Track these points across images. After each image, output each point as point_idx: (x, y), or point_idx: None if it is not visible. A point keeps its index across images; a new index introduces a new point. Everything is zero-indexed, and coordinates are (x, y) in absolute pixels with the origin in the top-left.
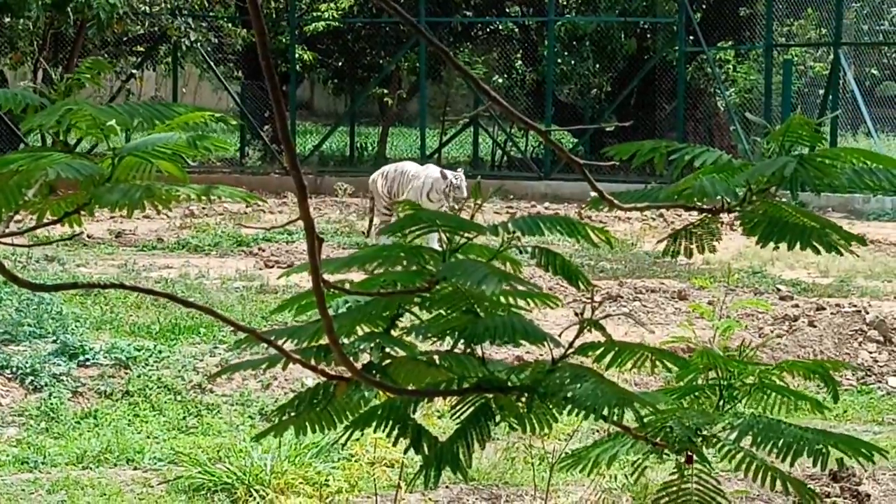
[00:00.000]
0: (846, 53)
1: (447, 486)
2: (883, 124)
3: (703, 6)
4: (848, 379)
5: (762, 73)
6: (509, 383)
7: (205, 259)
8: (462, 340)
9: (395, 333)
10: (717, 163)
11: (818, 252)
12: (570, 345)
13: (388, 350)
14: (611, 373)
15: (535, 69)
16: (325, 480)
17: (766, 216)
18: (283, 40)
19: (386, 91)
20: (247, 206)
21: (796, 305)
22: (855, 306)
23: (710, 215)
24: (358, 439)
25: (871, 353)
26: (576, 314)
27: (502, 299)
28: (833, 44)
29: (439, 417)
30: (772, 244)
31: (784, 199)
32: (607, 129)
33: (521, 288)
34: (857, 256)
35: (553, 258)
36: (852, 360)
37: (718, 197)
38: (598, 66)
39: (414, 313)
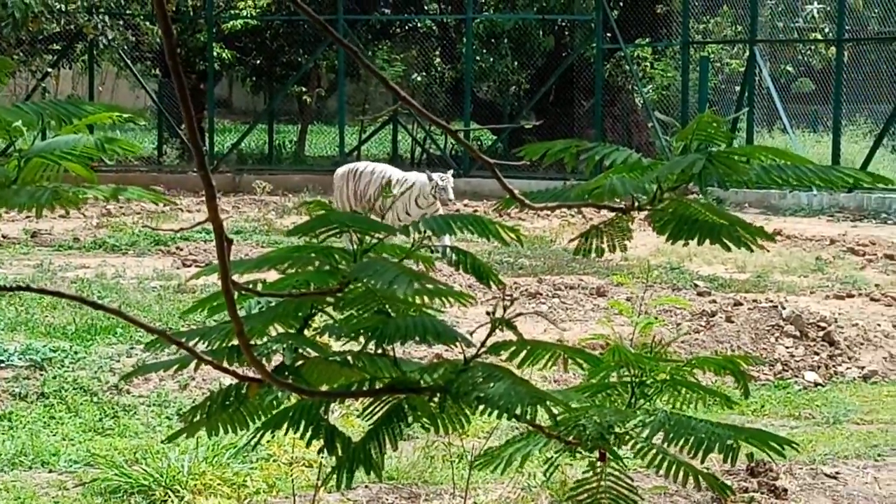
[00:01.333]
0: (761, 50)
1: (366, 486)
2: (798, 120)
3: (621, 4)
4: (765, 374)
5: (679, 70)
6: (422, 383)
7: (122, 258)
8: (374, 341)
9: (308, 334)
10: (628, 161)
11: (728, 248)
12: (482, 344)
13: (300, 351)
14: (534, 371)
15: (454, 66)
16: (243, 481)
17: (676, 214)
18: (201, 38)
19: (305, 89)
20: (164, 206)
21: (714, 301)
22: (772, 301)
23: (621, 214)
24: (269, 440)
25: (787, 347)
26: (487, 313)
27: (416, 299)
28: (748, 41)
29: (358, 416)
30: (682, 241)
31: (712, 196)
32: (526, 126)
33: (432, 287)
34: (767, 251)
35: (464, 257)
36: (769, 354)
37: (629, 195)
38: (516, 63)
39: (327, 313)
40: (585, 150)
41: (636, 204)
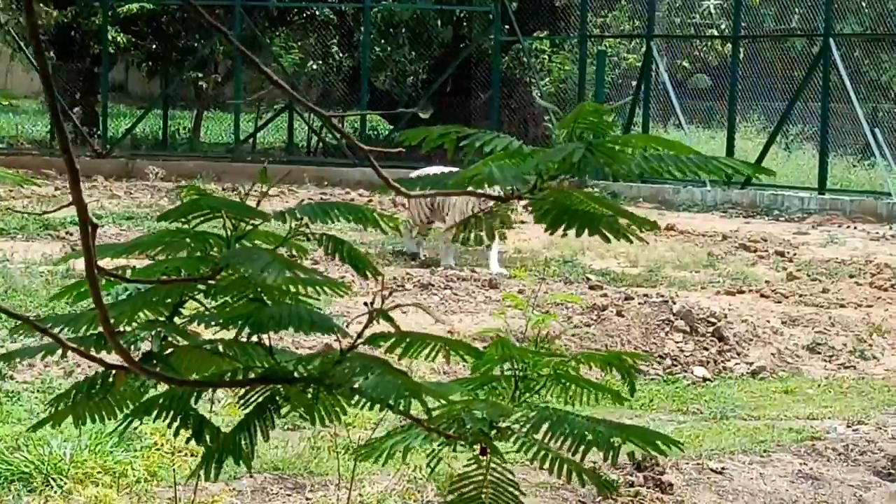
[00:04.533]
0: (658, 46)
1: (251, 476)
2: (693, 116)
3: None
4: (654, 369)
5: (577, 63)
6: (297, 374)
7: (10, 243)
8: (248, 329)
9: (179, 322)
10: (508, 149)
11: (608, 240)
12: (359, 335)
13: (170, 339)
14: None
15: (352, 55)
16: (124, 470)
17: (556, 203)
18: (96, 21)
19: (201, 75)
20: (55, 190)
21: (605, 295)
22: (662, 296)
23: (500, 202)
24: (153, 430)
25: (677, 342)
26: (364, 304)
27: (291, 287)
28: (646, 36)
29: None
30: (561, 231)
31: (608, 191)
32: (422, 116)
33: (305, 275)
34: (646, 243)
35: (340, 245)
36: (659, 349)
37: (508, 183)
38: (414, 53)
39: (199, 301)
40: (465, 137)
41: (515, 192)
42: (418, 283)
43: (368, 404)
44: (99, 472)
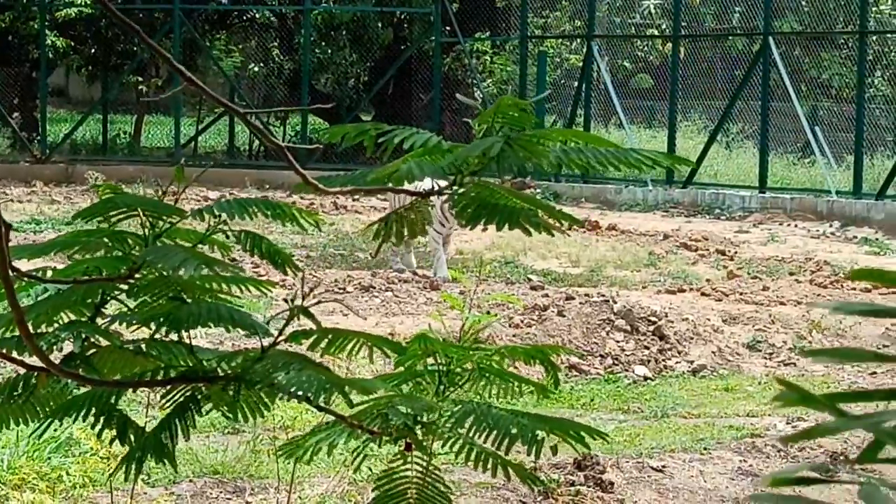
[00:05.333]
0: (600, 46)
1: (191, 480)
2: (635, 116)
3: None
4: (595, 368)
5: (518, 64)
6: (219, 371)
7: None
8: (166, 327)
9: (101, 322)
10: (427, 144)
11: (528, 233)
12: (280, 332)
13: (91, 339)
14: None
15: (293, 58)
16: (59, 476)
17: (477, 199)
18: (34, 26)
19: (141, 79)
20: None
21: (546, 295)
22: (603, 296)
23: (421, 199)
24: (88, 434)
25: (618, 342)
26: (285, 301)
27: (212, 285)
28: (586, 36)
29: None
30: (481, 225)
31: (549, 191)
32: (363, 118)
33: (223, 271)
34: (568, 235)
35: (259, 242)
36: (600, 349)
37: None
38: (355, 55)
39: (120, 300)
40: (385, 133)
41: (436, 188)
42: (359, 286)
43: (285, 399)
44: (35, 478)
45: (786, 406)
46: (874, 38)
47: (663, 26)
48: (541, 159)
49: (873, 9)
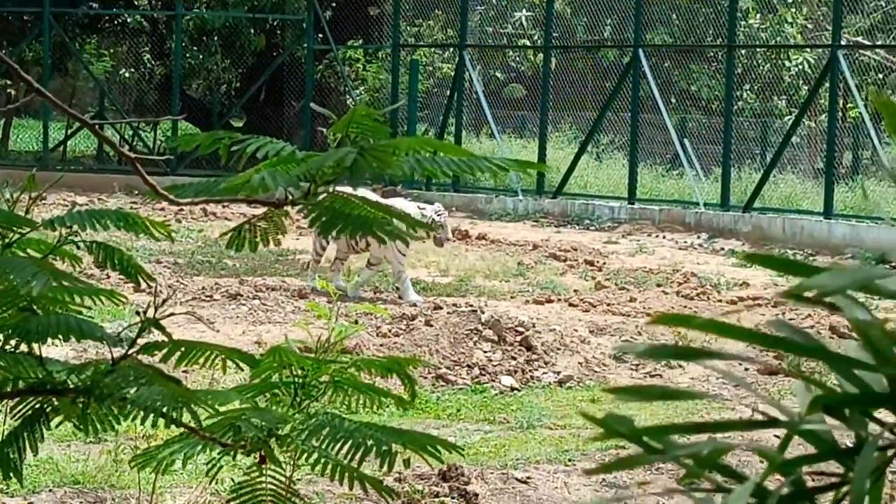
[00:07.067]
0: (472, 55)
1: (51, 490)
2: (507, 125)
3: (333, 4)
4: (463, 378)
5: (391, 72)
6: (69, 383)
7: None
8: (15, 338)
9: None
10: (281, 154)
11: (382, 241)
12: (132, 344)
13: None
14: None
15: (164, 63)
16: None
17: (330, 208)
18: None
19: (9, 82)
20: None
21: (415, 305)
22: (472, 306)
23: (274, 208)
24: None
25: (485, 352)
26: (137, 313)
27: (65, 297)
28: (458, 45)
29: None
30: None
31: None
32: (234, 125)
33: (71, 285)
34: (423, 241)
35: (112, 253)
36: (467, 359)
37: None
38: (227, 61)
39: None
40: (238, 142)
41: (289, 198)
42: (227, 293)
43: (134, 413)
44: None
45: (601, 441)
46: (742, 51)
47: (535, 37)
48: (394, 169)
49: (742, 23)
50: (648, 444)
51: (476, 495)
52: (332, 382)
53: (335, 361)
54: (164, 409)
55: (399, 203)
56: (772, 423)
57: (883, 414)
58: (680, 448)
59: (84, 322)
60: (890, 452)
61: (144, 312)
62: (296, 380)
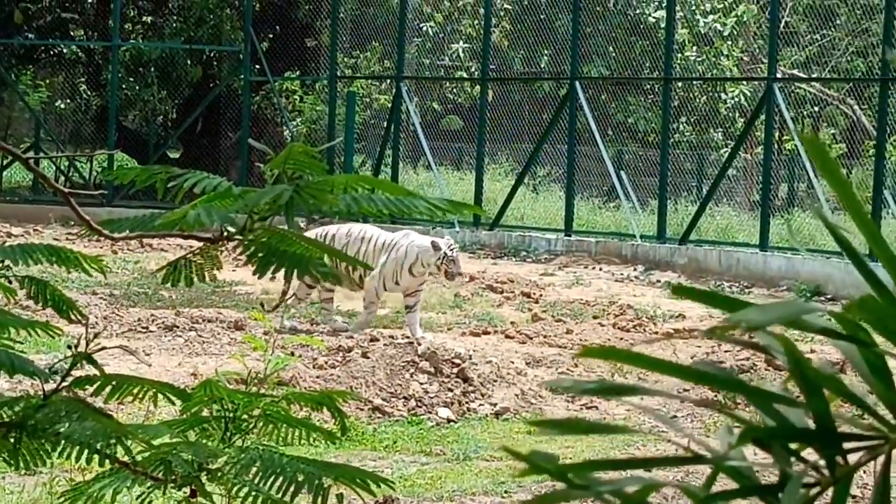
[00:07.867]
0: (409, 87)
1: None
2: (444, 157)
3: (270, 35)
4: (399, 410)
5: (328, 104)
6: (1, 417)
7: None
8: None
9: None
10: (218, 189)
11: (317, 280)
12: (63, 379)
13: None
14: None
15: (100, 94)
16: None
17: (267, 245)
18: None
19: None
20: None
21: (351, 337)
22: (408, 338)
23: (209, 244)
24: None
25: (422, 384)
26: (69, 347)
27: None
28: (395, 77)
29: None
30: (270, 273)
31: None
32: (171, 156)
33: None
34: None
35: (43, 288)
36: (404, 390)
37: (216, 225)
38: (164, 92)
39: None
40: (175, 177)
41: (225, 234)
42: (163, 325)
43: (68, 449)
44: None
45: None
46: (679, 84)
47: (472, 68)
48: (331, 206)
49: (678, 55)
50: (572, 482)
51: None
52: (263, 416)
53: (266, 395)
54: (98, 445)
55: (411, 236)
56: (696, 459)
57: (807, 452)
58: (604, 485)
59: (15, 356)
60: (813, 491)
61: (76, 346)
62: (226, 414)
